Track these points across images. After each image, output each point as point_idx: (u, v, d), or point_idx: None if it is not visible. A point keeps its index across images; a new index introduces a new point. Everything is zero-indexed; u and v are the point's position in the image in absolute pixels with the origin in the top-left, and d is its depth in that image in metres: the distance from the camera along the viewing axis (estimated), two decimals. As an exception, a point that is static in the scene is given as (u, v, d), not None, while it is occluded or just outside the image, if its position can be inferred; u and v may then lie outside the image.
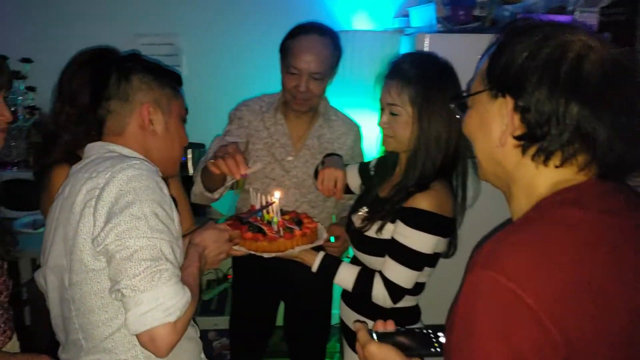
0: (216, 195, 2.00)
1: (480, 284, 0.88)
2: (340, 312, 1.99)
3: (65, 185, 1.39)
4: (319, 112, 2.34)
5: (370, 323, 1.80)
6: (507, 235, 0.94)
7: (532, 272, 0.85)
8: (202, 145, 3.39)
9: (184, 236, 1.62)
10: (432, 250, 1.70)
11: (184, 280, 1.30)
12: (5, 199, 3.17)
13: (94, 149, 1.43)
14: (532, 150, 0.99)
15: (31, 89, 3.35)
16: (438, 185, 1.70)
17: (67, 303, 1.35)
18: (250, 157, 2.28)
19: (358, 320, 1.86)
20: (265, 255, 1.69)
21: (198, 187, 2.06)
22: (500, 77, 1.00)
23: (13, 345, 1.70)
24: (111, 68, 1.43)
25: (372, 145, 2.95)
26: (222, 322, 3.23)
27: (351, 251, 1.98)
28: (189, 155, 3.35)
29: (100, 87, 1.42)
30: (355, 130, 2.38)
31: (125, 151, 1.41)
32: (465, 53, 2.51)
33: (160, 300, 1.18)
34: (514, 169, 1.03)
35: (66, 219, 1.32)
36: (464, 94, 1.14)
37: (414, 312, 1.89)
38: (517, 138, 0.99)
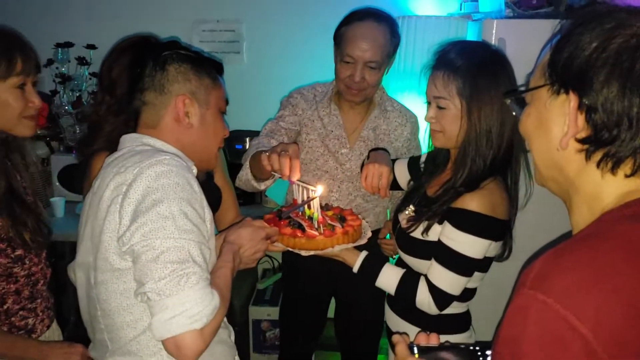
0: (262, 186, 1.92)
1: (528, 308, 0.77)
2: (385, 316, 1.89)
3: (96, 179, 1.34)
4: (374, 102, 2.23)
5: (414, 330, 1.71)
6: (561, 254, 0.82)
7: (588, 298, 0.73)
8: (258, 133, 3.34)
9: (222, 231, 1.57)
10: (482, 255, 1.57)
11: (214, 282, 1.23)
12: (69, 182, 3.24)
13: (127, 141, 1.38)
14: (598, 155, 0.86)
15: (96, 74, 3.39)
16: (490, 184, 1.57)
17: (93, 302, 1.31)
18: (304, 147, 2.21)
19: (398, 332, 1.76)
20: (303, 253, 1.60)
21: (245, 173, 1.95)
22: (563, 71, 0.88)
23: (52, 333, 1.71)
24: (147, 57, 1.37)
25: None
26: (275, 312, 3.17)
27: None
28: (246, 145, 3.32)
29: (136, 78, 1.37)
30: (412, 122, 2.26)
31: (159, 144, 1.36)
32: (538, 41, 2.35)
33: (186, 305, 1.12)
34: (576, 176, 0.91)
35: (94, 214, 1.28)
36: (522, 89, 1.01)
37: (464, 320, 1.76)
38: (581, 141, 0.87)
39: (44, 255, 1.65)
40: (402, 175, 1.96)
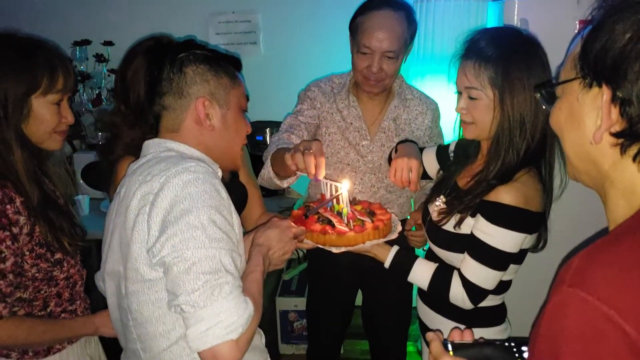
0: (285, 184, 1.89)
1: (568, 306, 0.75)
2: (417, 309, 1.87)
3: (122, 186, 1.33)
4: (393, 91, 2.19)
5: (448, 324, 1.69)
6: (601, 249, 0.80)
7: (630, 295, 0.72)
8: (279, 124, 3.32)
9: (249, 232, 1.56)
10: (517, 249, 1.54)
11: (246, 289, 1.22)
12: (93, 180, 3.25)
13: (151, 147, 1.36)
14: (634, 150, 0.83)
15: (114, 71, 3.39)
16: (524, 176, 1.53)
17: (125, 312, 1.31)
18: (324, 141, 2.18)
19: (430, 327, 1.75)
20: (334, 250, 1.58)
21: (267, 172, 1.90)
22: (595, 63, 0.84)
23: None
24: (163, 61, 1.35)
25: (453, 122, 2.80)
26: (302, 303, 3.18)
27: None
28: (267, 136, 3.30)
29: (154, 82, 1.35)
30: (433, 109, 2.22)
31: (183, 148, 1.34)
32: (561, 20, 2.28)
33: (221, 316, 1.10)
34: (611, 170, 0.88)
35: (122, 223, 1.27)
36: (552, 82, 0.98)
37: (499, 313, 1.73)
38: (615, 135, 0.84)
39: (79, 257, 1.66)
40: (432, 165, 1.93)
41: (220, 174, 1.37)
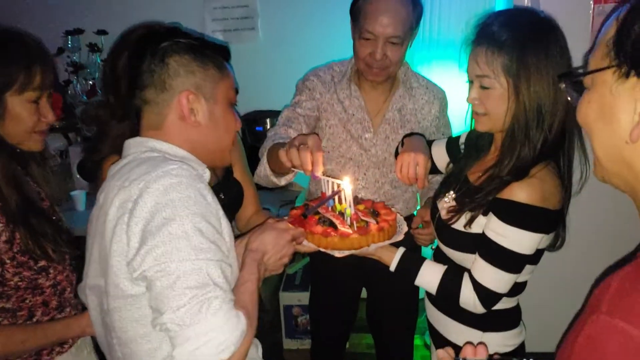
0: (283, 181, 1.78)
1: (608, 340, 0.67)
2: (426, 311, 1.77)
3: (101, 191, 1.23)
4: (398, 79, 2.07)
5: (459, 328, 1.60)
6: None
7: None
8: (279, 113, 3.22)
9: (242, 234, 1.46)
10: (532, 250, 1.44)
11: (238, 301, 1.13)
12: (90, 174, 3.16)
13: (132, 147, 1.25)
14: None
15: (108, 61, 3.29)
16: (541, 171, 1.42)
17: (108, 329, 1.21)
18: (325, 134, 2.06)
19: (439, 330, 1.65)
20: (337, 254, 1.48)
21: (263, 169, 1.79)
22: (633, 50, 0.74)
23: (83, 341, 1.63)
24: (144, 50, 1.23)
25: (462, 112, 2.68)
26: (306, 297, 3.05)
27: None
28: (267, 126, 3.19)
29: (134, 74, 1.24)
30: (440, 97, 2.10)
31: (166, 147, 1.23)
32: (577, 5, 2.15)
33: (210, 334, 1.01)
34: None
35: (100, 234, 1.16)
36: (580, 71, 0.87)
37: (513, 315, 1.63)
38: None
39: (68, 262, 1.57)
40: (442, 159, 1.82)
41: (207, 175, 1.27)
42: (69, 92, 3.31)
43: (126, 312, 1.13)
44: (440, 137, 2.09)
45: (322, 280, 2.34)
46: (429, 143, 1.82)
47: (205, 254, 1.06)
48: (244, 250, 1.35)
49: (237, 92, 1.37)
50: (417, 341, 3.08)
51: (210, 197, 1.15)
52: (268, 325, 3.15)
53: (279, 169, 1.72)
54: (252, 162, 1.88)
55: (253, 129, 3.20)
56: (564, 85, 0.91)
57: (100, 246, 1.16)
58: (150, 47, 1.22)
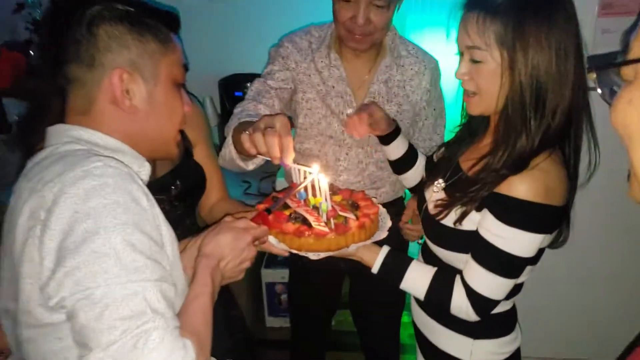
0: (250, 165, 1.55)
1: None
2: (411, 311, 1.59)
3: (13, 192, 1.01)
4: (384, 47, 1.82)
5: (449, 334, 1.43)
6: None
7: None
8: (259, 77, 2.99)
9: (203, 229, 1.26)
10: (533, 252, 1.26)
11: (187, 325, 0.94)
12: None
13: (52, 136, 1.04)
14: None
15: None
16: (544, 162, 1.22)
17: None
18: (302, 109, 1.83)
19: (426, 338, 1.48)
20: (312, 256, 1.28)
21: (228, 151, 1.55)
22: None
23: None
24: (69, 16, 1.01)
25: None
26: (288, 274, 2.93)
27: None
28: (246, 90, 2.93)
29: (56, 45, 1.02)
30: (432, 68, 1.85)
31: (95, 137, 1.02)
32: (586, 23, 1.94)
33: None
34: None
35: (10, 247, 0.96)
36: (619, 59, 0.66)
37: (508, 320, 1.46)
38: None
39: None
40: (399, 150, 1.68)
41: (146, 170, 1.07)
42: (31, 52, 3.04)
43: (43, 344, 0.94)
44: (431, 112, 1.88)
45: (301, 274, 2.18)
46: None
47: (139, 274, 0.87)
48: (196, 252, 1.16)
49: (186, 69, 1.15)
50: (405, 318, 2.94)
51: (146, 201, 0.95)
52: (251, 303, 3.01)
53: (246, 152, 1.48)
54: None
55: (231, 95, 2.96)
56: (594, 77, 0.70)
57: (9, 263, 0.95)
58: (76, 13, 1.00)
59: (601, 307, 2.63)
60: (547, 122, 1.21)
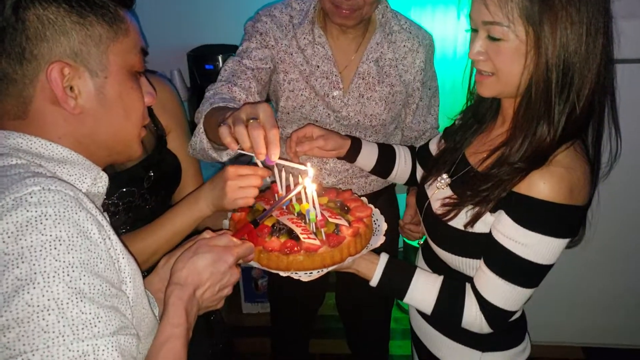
0: (225, 156, 1.32)
1: None
2: (410, 318, 1.44)
3: None
4: (374, 22, 1.63)
5: (454, 346, 1.28)
6: None
7: None
8: (235, 49, 2.74)
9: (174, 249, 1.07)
10: (556, 259, 1.11)
11: None
12: None
13: None
14: None
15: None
16: (567, 157, 1.07)
17: None
18: (283, 91, 1.63)
19: (428, 351, 1.34)
20: (304, 278, 1.11)
21: (199, 140, 1.32)
22: None
23: None
24: None
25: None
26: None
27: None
28: (219, 63, 2.71)
29: None
30: (426, 44, 1.66)
31: (37, 144, 0.83)
32: None
33: None
34: None
35: None
36: None
37: (518, 329, 1.33)
38: None
39: None
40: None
41: (104, 182, 0.89)
42: None
43: None
44: (426, 92, 1.70)
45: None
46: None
47: (90, 329, 0.69)
48: (167, 275, 0.97)
49: (145, 53, 0.95)
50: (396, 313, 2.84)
51: (97, 233, 0.75)
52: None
53: (220, 140, 1.25)
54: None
55: (202, 68, 2.73)
56: None
57: None
58: None
59: (604, 294, 2.55)
60: (571, 107, 1.05)
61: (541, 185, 1.05)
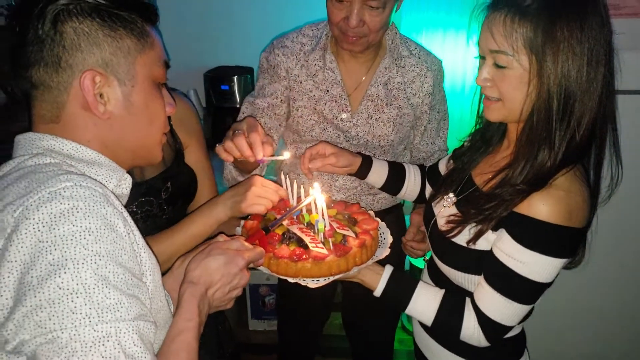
0: None
1: None
2: (414, 334, 1.48)
3: None
4: (384, 47, 1.70)
5: (454, 359, 1.32)
6: None
7: None
8: (249, 70, 2.85)
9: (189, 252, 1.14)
10: (553, 277, 1.16)
11: None
12: None
13: (20, 146, 0.92)
14: None
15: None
16: (566, 181, 1.12)
17: None
18: (293, 116, 1.72)
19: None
20: (312, 285, 1.17)
21: (229, 171, 1.57)
22: None
23: None
24: (29, 12, 0.88)
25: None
26: (274, 276, 2.80)
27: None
28: (234, 84, 2.81)
29: (15, 46, 0.89)
30: (435, 70, 1.73)
31: (68, 147, 0.90)
32: None
33: None
34: None
35: None
36: None
37: (517, 344, 1.36)
38: None
39: None
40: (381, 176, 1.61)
41: (127, 184, 0.97)
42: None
43: None
44: (434, 116, 1.77)
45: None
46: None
47: (113, 313, 0.75)
48: (181, 274, 1.05)
49: (167, 66, 1.03)
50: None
51: (123, 226, 0.82)
52: (233, 305, 2.88)
53: (245, 167, 1.51)
54: (218, 128, 1.61)
55: (218, 88, 2.83)
56: None
57: None
58: (38, 9, 0.87)
59: (605, 312, 2.56)
60: (571, 134, 1.11)
61: (541, 207, 1.10)
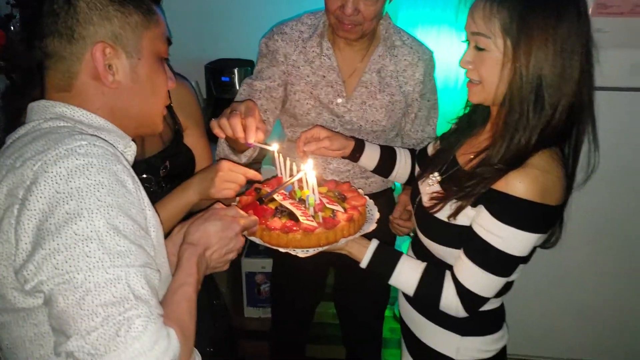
0: (243, 159, 1.56)
1: None
2: (399, 306, 1.56)
3: None
4: (378, 36, 1.78)
5: (436, 330, 1.40)
6: None
7: None
8: (249, 63, 2.93)
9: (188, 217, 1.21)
10: (527, 252, 1.23)
11: (171, 314, 0.91)
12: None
13: (34, 112, 1.00)
14: None
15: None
16: (542, 160, 1.19)
17: None
18: (290, 100, 1.80)
19: (413, 334, 1.45)
20: (301, 253, 1.24)
21: (222, 149, 1.62)
22: None
23: None
24: None
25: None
26: (270, 264, 2.81)
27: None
28: (235, 76, 2.88)
29: (31, 18, 0.98)
30: (426, 59, 1.82)
31: (79, 114, 0.98)
32: None
33: None
34: None
35: None
36: None
37: (496, 318, 1.44)
38: None
39: None
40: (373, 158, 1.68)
41: (132, 150, 1.04)
42: (12, 28, 2.94)
43: (17, 329, 0.90)
44: (425, 104, 1.85)
45: (285, 264, 2.13)
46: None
47: (123, 259, 0.83)
48: (181, 238, 1.13)
49: (169, 42, 1.11)
50: (387, 312, 2.91)
51: (132, 183, 0.91)
52: (229, 293, 2.96)
53: (238, 147, 1.53)
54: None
55: (218, 80, 2.91)
56: None
57: None
58: None
59: (590, 306, 2.63)
60: (546, 118, 1.18)
61: (517, 184, 1.17)
